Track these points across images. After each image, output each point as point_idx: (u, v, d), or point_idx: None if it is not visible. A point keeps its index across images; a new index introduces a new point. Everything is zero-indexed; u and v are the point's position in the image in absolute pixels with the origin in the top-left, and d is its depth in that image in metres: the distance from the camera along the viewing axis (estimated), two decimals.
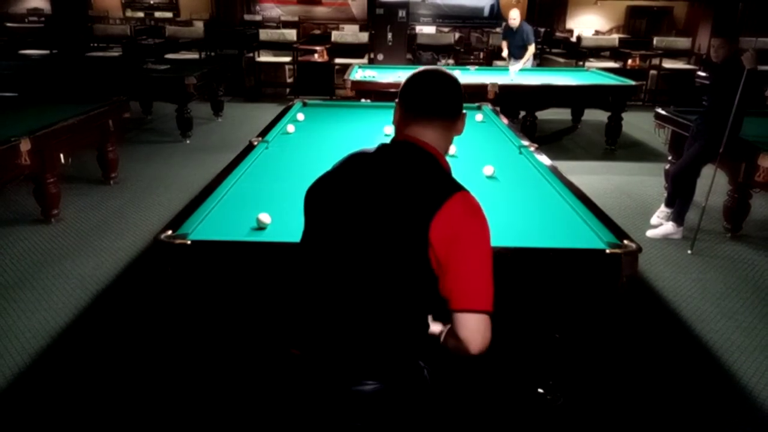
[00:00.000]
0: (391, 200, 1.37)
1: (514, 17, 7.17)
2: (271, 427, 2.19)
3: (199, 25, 10.65)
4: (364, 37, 9.46)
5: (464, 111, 1.51)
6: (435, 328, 1.49)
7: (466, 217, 1.35)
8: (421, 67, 1.54)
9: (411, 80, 1.48)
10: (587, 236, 2.21)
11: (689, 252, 3.95)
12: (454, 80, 1.49)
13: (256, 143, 3.36)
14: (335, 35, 9.56)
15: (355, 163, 1.47)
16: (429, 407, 1.44)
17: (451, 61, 9.68)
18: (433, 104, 1.45)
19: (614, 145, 6.53)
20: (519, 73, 6.91)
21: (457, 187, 1.39)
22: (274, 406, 1.56)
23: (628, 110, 6.50)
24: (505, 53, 7.53)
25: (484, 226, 1.38)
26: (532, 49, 7.27)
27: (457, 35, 10.75)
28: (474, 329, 1.32)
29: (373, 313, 1.37)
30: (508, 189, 2.84)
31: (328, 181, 1.48)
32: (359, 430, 1.38)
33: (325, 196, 1.45)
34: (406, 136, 1.46)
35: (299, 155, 3.36)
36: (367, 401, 1.36)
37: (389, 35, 8.54)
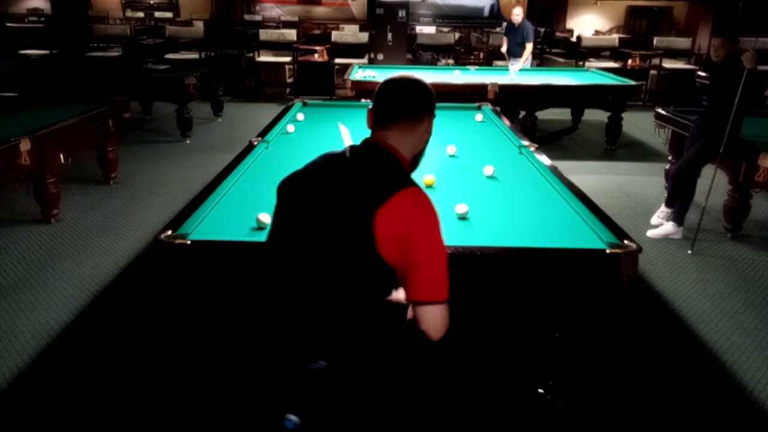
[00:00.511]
0: (342, 193, 1.48)
1: (517, 13, 7.28)
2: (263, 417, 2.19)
3: (199, 25, 10.65)
4: (364, 37, 9.46)
5: (431, 113, 1.61)
6: (398, 295, 1.57)
7: (413, 214, 1.43)
8: (390, 77, 1.63)
9: (379, 87, 1.61)
10: (587, 236, 2.21)
11: (689, 252, 3.95)
12: (416, 83, 1.58)
13: (256, 143, 3.36)
14: (335, 35, 9.56)
15: (322, 160, 1.59)
16: (380, 389, 1.51)
17: (451, 61, 9.68)
18: (392, 107, 1.56)
19: (614, 145, 6.53)
20: (519, 72, 6.92)
21: (406, 183, 1.47)
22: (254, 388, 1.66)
23: (628, 110, 6.50)
24: (503, 49, 7.62)
25: (433, 220, 1.45)
26: (529, 47, 7.32)
27: (457, 35, 10.75)
28: (432, 320, 1.43)
29: (325, 298, 1.46)
30: (508, 189, 2.84)
31: (295, 176, 1.58)
32: (309, 405, 1.49)
33: (289, 190, 1.57)
34: (374, 137, 1.59)
35: (299, 155, 3.36)
36: (316, 378, 1.46)
37: (389, 35, 8.54)
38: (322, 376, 1.45)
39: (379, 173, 1.49)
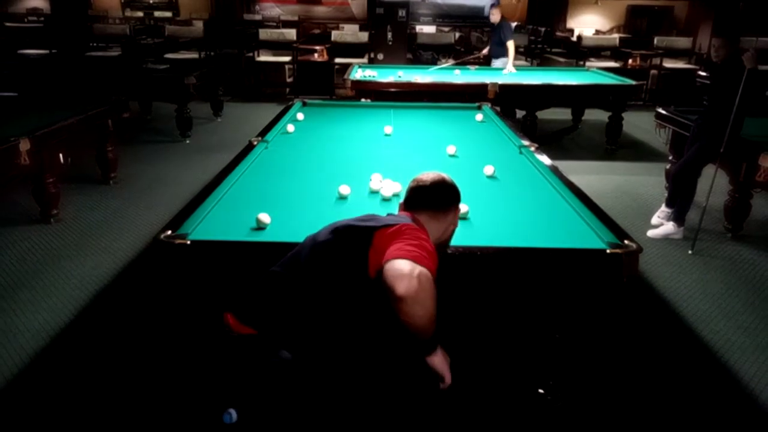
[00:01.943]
0: (358, 221, 1.64)
1: (494, 13, 7.13)
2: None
3: (199, 25, 10.64)
4: (364, 36, 9.46)
5: (456, 207, 1.79)
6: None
7: (406, 231, 1.54)
8: (423, 173, 1.82)
9: (411, 182, 1.81)
10: (588, 236, 2.21)
11: (690, 252, 3.95)
12: (443, 180, 1.78)
13: (255, 143, 3.36)
14: (335, 35, 9.56)
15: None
16: (338, 384, 1.62)
17: (451, 61, 9.67)
18: (421, 197, 1.76)
19: (615, 145, 6.52)
20: (519, 72, 6.92)
21: (418, 227, 1.62)
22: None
23: (628, 110, 6.49)
24: (485, 51, 7.58)
25: (424, 237, 1.56)
26: (510, 45, 7.05)
27: (457, 35, 10.74)
28: (396, 269, 1.40)
29: (309, 296, 1.59)
30: (508, 189, 2.84)
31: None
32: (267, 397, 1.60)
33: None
34: (407, 213, 1.75)
35: (299, 155, 3.36)
36: (277, 370, 1.57)
37: (389, 35, 8.54)
38: (284, 369, 1.52)
39: (399, 217, 1.65)
